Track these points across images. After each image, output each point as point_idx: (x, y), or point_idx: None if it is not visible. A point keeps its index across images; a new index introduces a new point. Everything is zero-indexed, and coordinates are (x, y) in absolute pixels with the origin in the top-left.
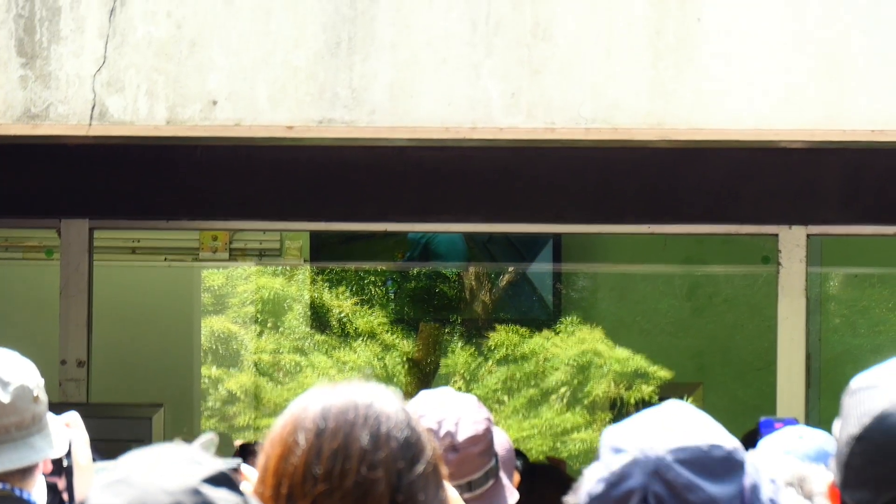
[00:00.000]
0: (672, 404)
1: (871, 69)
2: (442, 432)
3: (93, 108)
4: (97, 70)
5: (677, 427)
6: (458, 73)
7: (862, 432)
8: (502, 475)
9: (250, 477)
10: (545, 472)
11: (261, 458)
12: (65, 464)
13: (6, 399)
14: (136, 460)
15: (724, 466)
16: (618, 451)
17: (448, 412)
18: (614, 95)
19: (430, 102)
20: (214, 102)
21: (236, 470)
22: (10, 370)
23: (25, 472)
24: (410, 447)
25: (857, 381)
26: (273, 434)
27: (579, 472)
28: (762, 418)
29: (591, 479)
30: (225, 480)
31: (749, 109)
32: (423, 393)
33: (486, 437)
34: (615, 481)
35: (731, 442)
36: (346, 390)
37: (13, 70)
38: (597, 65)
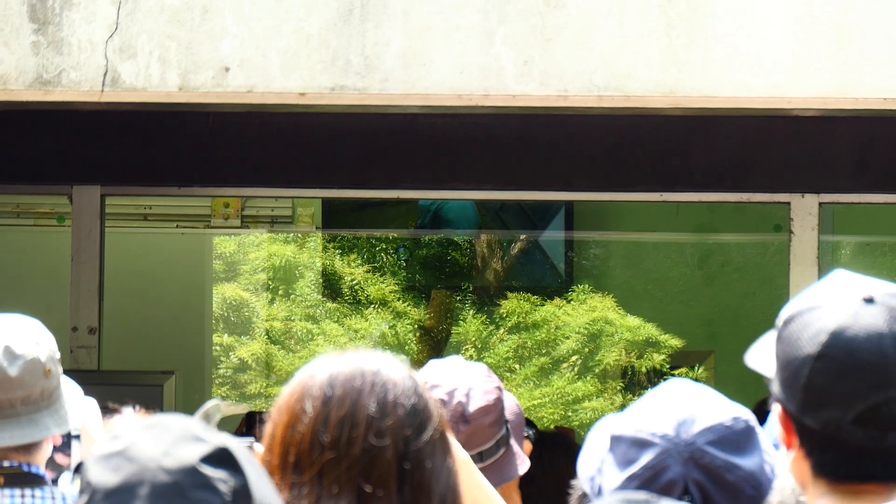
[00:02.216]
0: (673, 384)
1: (883, 37)
2: (453, 403)
3: (105, 74)
4: (109, 36)
5: (691, 409)
6: (470, 40)
7: (821, 350)
8: (513, 443)
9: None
10: (554, 439)
11: (268, 427)
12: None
13: (14, 373)
14: (137, 431)
15: (747, 437)
16: (642, 443)
17: (459, 382)
18: (626, 64)
19: (443, 70)
20: (227, 69)
21: (249, 448)
22: (24, 343)
23: (31, 447)
24: (417, 414)
25: (791, 309)
26: (280, 402)
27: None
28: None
29: (614, 477)
30: (226, 459)
31: (761, 78)
32: (433, 362)
33: (496, 407)
34: (651, 476)
35: (742, 410)
36: (352, 358)
37: (25, 36)
38: (609, 33)
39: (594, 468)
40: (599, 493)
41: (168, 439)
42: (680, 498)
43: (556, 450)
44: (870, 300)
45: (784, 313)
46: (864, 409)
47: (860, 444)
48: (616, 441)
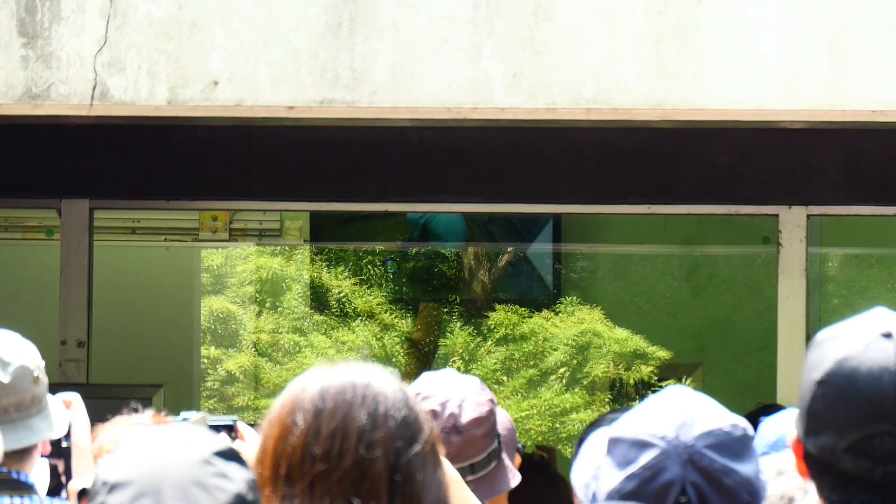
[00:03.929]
0: (673, 390)
1: (874, 50)
2: (445, 414)
3: (94, 88)
4: (98, 50)
5: (691, 413)
6: (459, 53)
7: (823, 377)
8: (504, 457)
9: (246, 436)
10: (532, 461)
11: (259, 439)
12: (63, 445)
13: (6, 379)
14: (146, 436)
15: (744, 445)
16: (642, 444)
17: (451, 394)
18: (615, 76)
19: (432, 83)
20: (215, 83)
21: (232, 427)
22: (11, 351)
23: (23, 454)
24: (408, 426)
25: (821, 335)
26: (271, 415)
27: (574, 455)
28: (762, 418)
29: (612, 478)
30: (234, 455)
31: (750, 90)
32: (426, 374)
33: (489, 420)
34: (649, 476)
35: (739, 419)
36: (343, 370)
37: (14, 50)
38: (598, 46)
39: (589, 475)
40: (594, 499)
41: (178, 439)
42: (676, 500)
43: (536, 472)
44: (888, 335)
45: (815, 338)
46: (858, 438)
47: (852, 472)
48: (615, 443)
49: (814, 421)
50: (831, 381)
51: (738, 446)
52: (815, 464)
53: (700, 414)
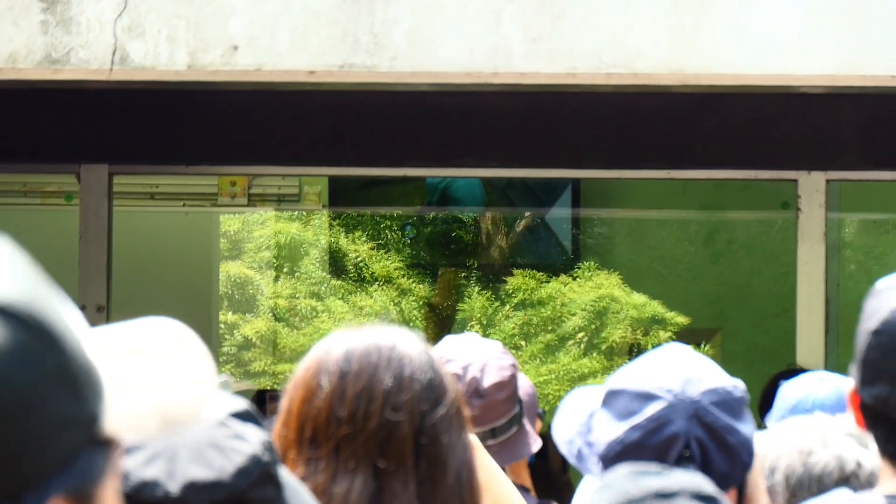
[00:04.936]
0: (671, 347)
1: (891, 14)
2: (467, 378)
3: (114, 52)
4: (118, 15)
5: (695, 370)
6: (479, 18)
7: (879, 326)
8: (525, 422)
9: None
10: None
11: (284, 402)
12: None
13: None
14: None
15: (743, 406)
16: (647, 396)
17: (474, 358)
18: (635, 41)
19: (452, 48)
20: (235, 47)
21: (225, 383)
22: None
23: None
24: (433, 389)
25: (881, 283)
26: (296, 377)
27: None
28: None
29: (613, 429)
30: (250, 416)
31: (769, 55)
32: (449, 338)
33: (511, 384)
34: (654, 428)
35: (738, 381)
36: (368, 333)
37: (34, 15)
38: (617, 11)
39: (573, 431)
40: (579, 455)
41: None
42: (679, 454)
43: (542, 453)
44: None
45: (875, 286)
46: None
47: None
48: (615, 395)
49: (869, 370)
50: (886, 331)
51: (739, 407)
52: (870, 413)
53: (704, 371)
